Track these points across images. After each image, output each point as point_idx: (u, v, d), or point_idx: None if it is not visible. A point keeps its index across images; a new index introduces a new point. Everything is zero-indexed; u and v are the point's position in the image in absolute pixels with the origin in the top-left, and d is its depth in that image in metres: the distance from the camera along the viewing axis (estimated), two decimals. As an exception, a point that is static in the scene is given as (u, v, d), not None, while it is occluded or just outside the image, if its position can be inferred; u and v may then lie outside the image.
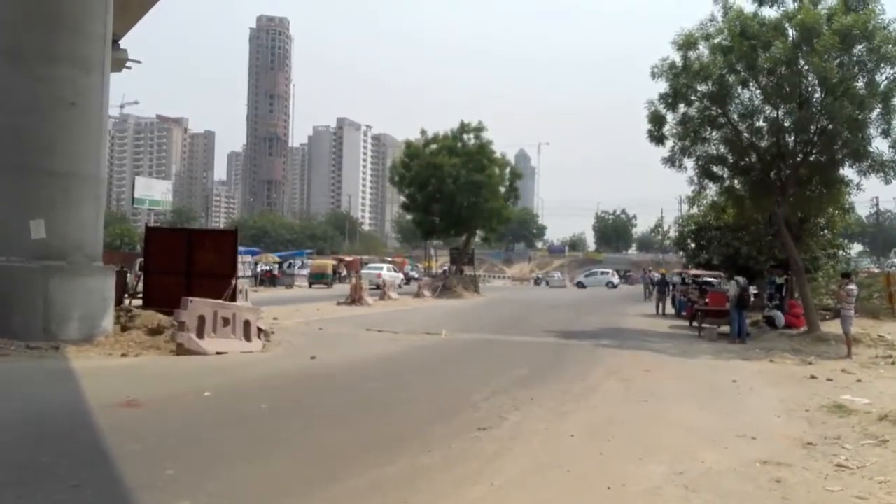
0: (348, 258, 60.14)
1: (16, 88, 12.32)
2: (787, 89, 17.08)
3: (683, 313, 24.41)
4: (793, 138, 17.91)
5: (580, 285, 62.49)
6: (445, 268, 49.02)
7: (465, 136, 39.48)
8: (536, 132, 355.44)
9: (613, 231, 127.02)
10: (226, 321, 12.06)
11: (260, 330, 13.03)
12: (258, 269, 44.69)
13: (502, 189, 40.10)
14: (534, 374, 10.98)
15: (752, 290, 22.16)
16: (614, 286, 60.64)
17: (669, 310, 27.56)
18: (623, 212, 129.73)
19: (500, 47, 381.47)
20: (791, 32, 16.98)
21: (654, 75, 18.76)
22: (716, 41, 17.95)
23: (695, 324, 20.21)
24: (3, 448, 5.71)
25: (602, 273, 67.83)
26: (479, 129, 39.47)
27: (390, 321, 19.54)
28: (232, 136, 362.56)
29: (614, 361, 12.80)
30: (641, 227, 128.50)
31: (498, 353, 13.94)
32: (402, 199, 42.27)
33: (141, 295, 16.79)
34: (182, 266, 15.39)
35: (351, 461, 5.77)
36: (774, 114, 17.93)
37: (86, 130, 12.73)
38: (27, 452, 5.58)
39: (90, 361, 10.34)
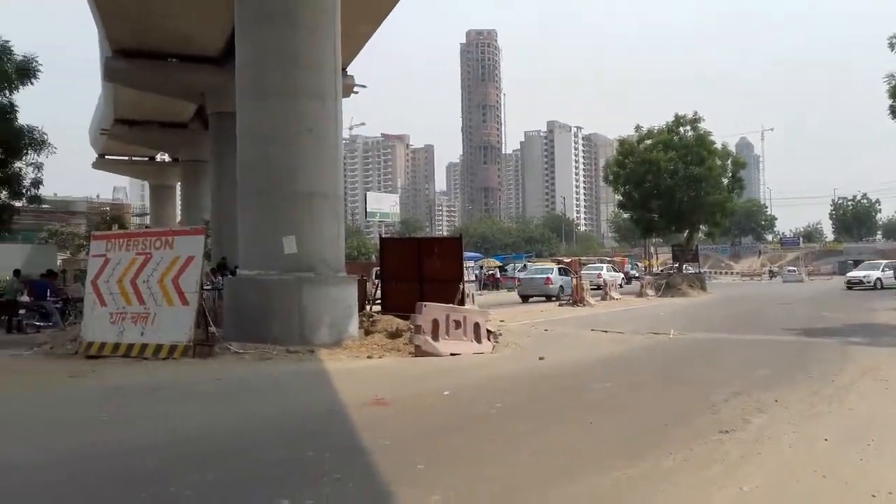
0: (566, 259, 59.96)
1: (263, 121, 13.80)
2: None
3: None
4: None
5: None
6: (668, 265, 47.21)
7: (680, 129, 37.85)
8: (759, 118, 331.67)
9: (854, 218, 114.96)
10: (457, 324, 12.59)
11: (489, 332, 13.44)
12: (482, 274, 45.94)
13: (724, 181, 37.85)
14: (776, 375, 10.25)
15: None
16: None
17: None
18: (864, 196, 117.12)
19: (708, 36, 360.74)
20: None
21: (892, 46, 16.79)
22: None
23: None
24: (273, 442, 6.41)
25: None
26: (695, 120, 37.62)
27: (614, 321, 19.22)
28: (449, 148, 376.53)
29: (868, 360, 11.58)
30: (887, 212, 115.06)
31: (733, 352, 13.20)
32: (618, 197, 41.34)
33: (379, 301, 17.97)
34: (414, 273, 16.33)
35: (588, 461, 5.78)
36: None
37: (323, 153, 13.94)
38: (294, 447, 6.21)
39: (340, 363, 11.29)
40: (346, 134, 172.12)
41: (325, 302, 13.15)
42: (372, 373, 10.74)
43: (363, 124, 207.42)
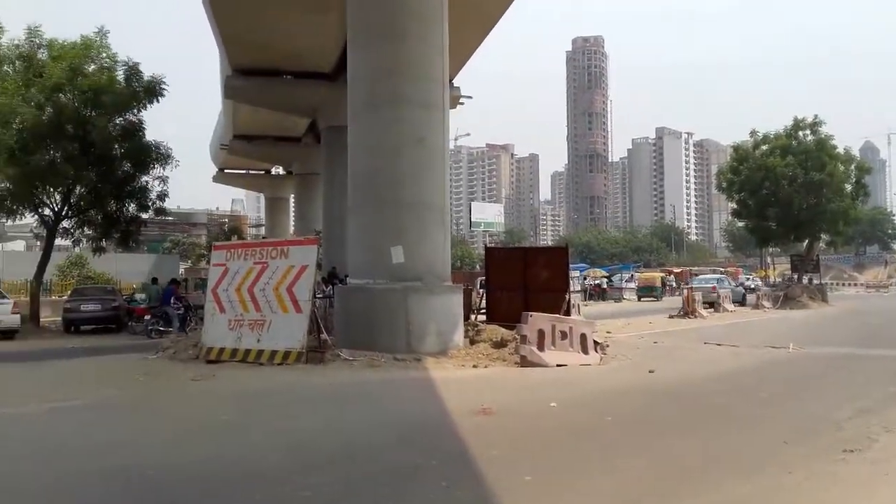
0: (676, 269, 58.31)
1: (373, 133, 14.14)
2: None
3: None
4: None
5: None
6: (786, 276, 45.02)
7: (800, 134, 36.08)
8: (885, 121, 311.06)
9: None
10: (563, 334, 12.46)
11: (596, 343, 13.22)
12: (587, 284, 45.33)
13: (847, 187, 35.82)
14: (908, 393, 9.59)
15: None
16: None
17: None
18: None
19: (833, 38, 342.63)
20: None
21: None
22: None
23: None
24: (383, 448, 6.54)
25: None
26: (815, 123, 35.75)
27: (729, 334, 18.48)
28: (554, 157, 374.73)
29: None
30: None
31: (858, 368, 12.41)
32: (732, 205, 39.82)
33: (484, 311, 18.02)
34: (519, 282, 16.30)
35: (702, 477, 5.59)
36: None
37: (431, 164, 14.15)
38: (403, 453, 6.32)
39: (446, 372, 11.39)
40: (451, 145, 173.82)
41: (432, 311, 13.31)
42: (478, 382, 10.78)
43: (468, 135, 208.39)
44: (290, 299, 12.48)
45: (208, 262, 32.79)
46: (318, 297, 15.34)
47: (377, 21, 14.22)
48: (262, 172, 49.70)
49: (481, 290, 20.82)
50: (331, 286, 19.60)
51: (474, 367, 12.01)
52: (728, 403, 8.95)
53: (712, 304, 29.13)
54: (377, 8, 14.23)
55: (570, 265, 21.97)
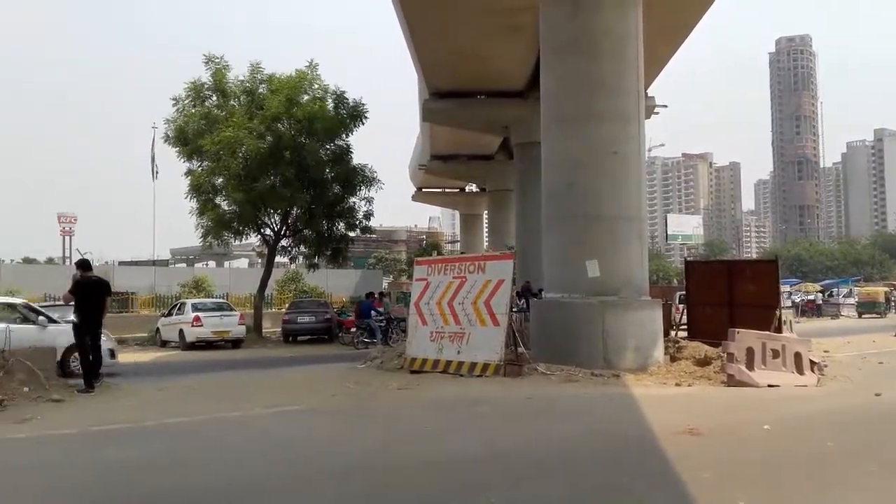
0: (902, 284, 52.47)
1: (567, 147, 14.16)
2: None
3: None
4: None
5: None
6: None
7: None
8: None
9: None
10: (775, 353, 11.67)
11: (812, 362, 12.24)
12: (798, 299, 42.07)
13: None
14: None
15: None
16: None
17: None
18: None
19: None
20: None
21: None
22: None
23: None
24: (586, 464, 6.49)
25: None
26: None
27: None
28: (757, 165, 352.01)
29: None
30: None
31: None
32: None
33: (684, 326, 17.33)
34: (723, 297, 15.51)
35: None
36: None
37: (627, 176, 13.90)
38: (607, 471, 6.23)
39: (647, 389, 11.07)
40: (644, 155, 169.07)
41: (630, 326, 13.03)
42: (681, 400, 10.37)
43: (662, 145, 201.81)
44: (488, 313, 12.75)
45: (409, 277, 34.34)
46: (514, 311, 15.55)
47: (570, 38, 14.23)
48: (457, 190, 51.30)
49: (680, 306, 20.07)
50: (524, 300, 19.82)
51: (677, 385, 11.56)
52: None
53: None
54: (570, 26, 14.24)
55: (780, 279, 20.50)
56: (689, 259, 27.47)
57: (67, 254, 77.16)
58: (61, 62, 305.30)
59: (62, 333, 13.05)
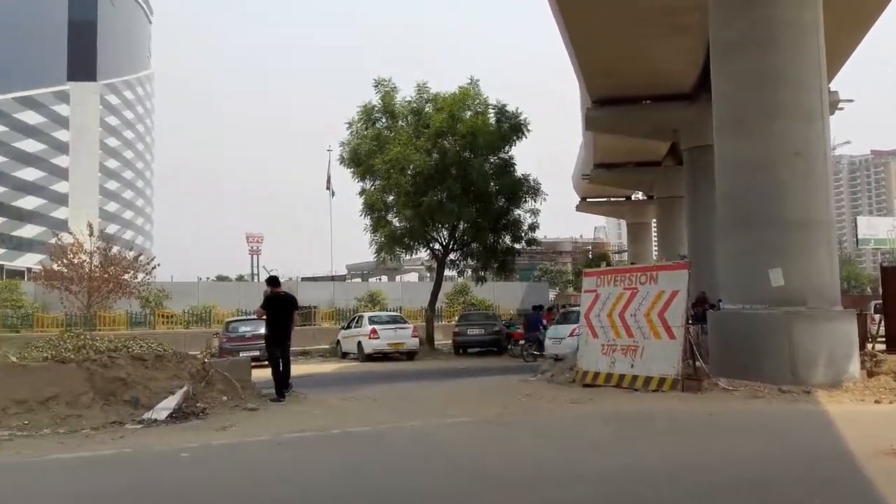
0: None
1: (743, 149, 13.49)
2: None
3: None
4: None
5: None
6: None
7: None
8: None
9: None
10: None
11: None
12: None
13: None
14: None
15: None
16: None
17: None
18: None
19: None
20: None
21: None
22: None
23: None
24: (776, 485, 6.14)
25: None
26: None
27: None
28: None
29: None
30: None
31: None
32: None
33: (882, 338, 15.94)
34: (927, 307, 14.12)
35: None
36: None
37: (812, 177, 13.03)
38: (799, 492, 5.87)
39: (842, 406, 10.29)
40: (830, 154, 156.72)
41: (820, 338, 12.15)
42: (882, 419, 9.55)
43: (848, 142, 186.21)
44: (662, 325, 12.38)
45: (575, 289, 34.05)
46: (690, 324, 14.99)
47: (744, 33, 13.59)
48: (623, 199, 50.22)
49: (876, 316, 18.48)
50: (700, 311, 19.01)
51: (876, 402, 10.65)
52: None
53: None
54: (744, 21, 13.59)
55: None
56: (884, 265, 25.13)
57: (256, 271, 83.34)
58: (271, 93, 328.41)
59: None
